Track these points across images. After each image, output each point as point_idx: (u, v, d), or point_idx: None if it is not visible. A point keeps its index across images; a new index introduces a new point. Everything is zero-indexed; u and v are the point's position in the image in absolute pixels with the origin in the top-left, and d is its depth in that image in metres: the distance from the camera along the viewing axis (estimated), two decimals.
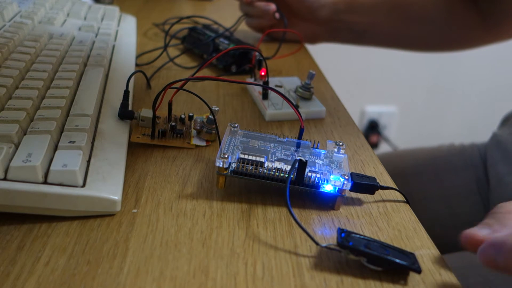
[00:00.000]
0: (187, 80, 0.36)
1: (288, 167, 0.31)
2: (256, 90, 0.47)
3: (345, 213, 0.32)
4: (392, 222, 0.31)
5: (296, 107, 0.37)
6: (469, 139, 0.76)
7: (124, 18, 0.66)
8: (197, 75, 0.47)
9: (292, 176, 0.31)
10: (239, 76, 0.53)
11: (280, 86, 0.48)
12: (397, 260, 0.26)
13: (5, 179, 0.28)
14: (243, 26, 0.68)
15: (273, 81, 0.50)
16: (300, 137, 0.36)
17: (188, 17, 0.69)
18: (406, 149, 0.78)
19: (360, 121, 1.52)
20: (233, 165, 0.31)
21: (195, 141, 0.38)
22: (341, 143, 0.35)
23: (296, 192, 0.32)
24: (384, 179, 0.36)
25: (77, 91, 0.39)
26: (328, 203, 0.32)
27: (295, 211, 0.31)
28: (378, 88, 1.46)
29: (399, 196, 0.34)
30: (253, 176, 0.31)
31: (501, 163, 0.63)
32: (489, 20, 0.64)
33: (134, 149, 0.37)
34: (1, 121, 0.32)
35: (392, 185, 0.35)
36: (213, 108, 0.37)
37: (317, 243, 0.28)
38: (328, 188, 0.31)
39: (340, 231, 0.27)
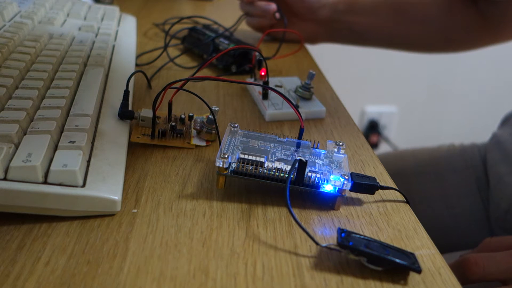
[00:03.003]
0: (187, 80, 0.36)
1: (288, 167, 0.31)
2: (256, 90, 0.47)
3: (345, 213, 0.32)
4: (392, 222, 0.31)
5: (296, 107, 0.37)
6: (469, 139, 0.76)
7: (124, 18, 0.66)
8: (197, 75, 0.47)
9: (292, 176, 0.31)
10: (239, 76, 0.53)
11: (280, 86, 0.48)
12: (397, 260, 0.26)
13: (5, 179, 0.28)
14: (243, 26, 0.68)
15: (273, 81, 0.50)
16: (300, 137, 0.36)
17: (188, 17, 0.69)
18: (406, 149, 0.78)
19: (360, 121, 1.52)
20: (233, 165, 0.31)
21: (195, 141, 0.38)
22: (341, 143, 0.35)
23: (296, 192, 0.32)
24: (384, 179, 0.36)
25: (77, 91, 0.39)
26: (328, 203, 0.32)
27: (295, 211, 0.31)
28: (378, 88, 1.46)
29: (399, 196, 0.34)
30: (253, 176, 0.31)
31: (501, 163, 0.63)
32: (489, 22, 0.64)
33: (134, 149, 0.37)
34: (1, 121, 0.32)
35: (392, 185, 0.35)
36: (213, 108, 0.37)
37: (317, 243, 0.28)
38: (328, 188, 0.31)
39: (340, 231, 0.27)
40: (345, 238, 0.27)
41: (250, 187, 0.33)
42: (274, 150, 0.34)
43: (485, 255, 0.40)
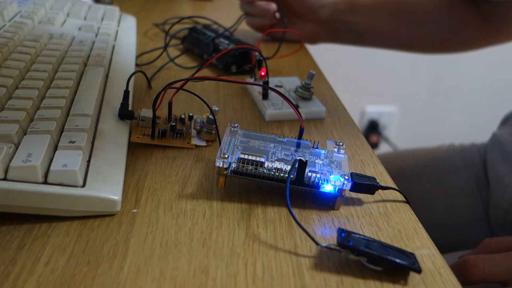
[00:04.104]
0: (187, 80, 0.36)
1: (288, 167, 0.31)
2: (256, 90, 0.47)
3: (345, 213, 0.32)
4: (392, 222, 0.31)
5: (296, 107, 0.37)
6: (469, 139, 0.76)
7: (124, 18, 0.66)
8: (197, 75, 0.47)
9: (292, 176, 0.31)
10: (239, 76, 0.53)
11: (280, 86, 0.48)
12: (397, 260, 0.26)
13: (5, 179, 0.28)
14: (243, 26, 0.68)
15: (273, 81, 0.50)
16: (300, 137, 0.36)
17: (188, 17, 0.69)
18: (406, 149, 0.78)
19: (360, 121, 1.52)
20: (233, 165, 0.31)
21: (195, 141, 0.38)
22: (341, 143, 0.35)
23: (296, 192, 0.32)
24: (384, 179, 0.36)
25: (77, 91, 0.39)
26: (328, 203, 0.32)
27: (295, 211, 0.31)
28: (378, 88, 1.46)
29: (399, 196, 0.34)
30: (253, 176, 0.31)
31: (501, 164, 0.63)
32: (489, 22, 0.64)
33: (134, 149, 0.37)
34: (1, 121, 0.32)
35: (392, 185, 0.35)
36: (213, 108, 0.37)
37: (317, 243, 0.28)
38: (328, 188, 0.31)
39: (340, 231, 0.27)
40: (345, 238, 0.27)
41: (250, 187, 0.33)
42: (274, 150, 0.34)
43: (484, 257, 0.40)
